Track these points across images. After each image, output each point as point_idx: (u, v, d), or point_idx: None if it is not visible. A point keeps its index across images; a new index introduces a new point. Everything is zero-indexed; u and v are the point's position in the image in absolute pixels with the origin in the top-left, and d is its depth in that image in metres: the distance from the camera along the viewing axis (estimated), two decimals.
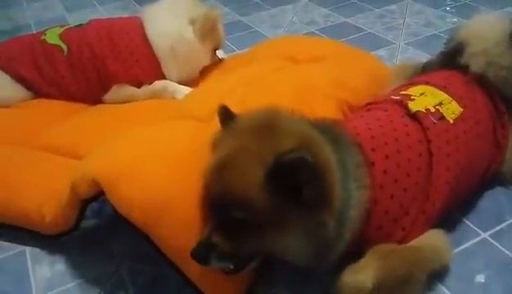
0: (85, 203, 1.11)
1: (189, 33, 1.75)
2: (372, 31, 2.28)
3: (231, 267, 0.94)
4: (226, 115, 0.99)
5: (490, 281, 1.06)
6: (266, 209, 0.85)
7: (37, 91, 1.80)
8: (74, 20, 2.62)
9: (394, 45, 2.12)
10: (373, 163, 1.02)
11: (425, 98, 1.22)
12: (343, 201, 0.91)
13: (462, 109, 1.21)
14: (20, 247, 1.29)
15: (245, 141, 0.90)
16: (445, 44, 1.41)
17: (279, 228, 0.88)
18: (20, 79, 1.78)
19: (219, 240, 0.90)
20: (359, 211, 0.96)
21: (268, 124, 0.92)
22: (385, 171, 1.03)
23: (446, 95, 1.23)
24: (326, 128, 0.98)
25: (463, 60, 1.30)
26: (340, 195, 0.90)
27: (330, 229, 0.89)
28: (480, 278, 1.06)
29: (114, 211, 1.01)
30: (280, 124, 0.92)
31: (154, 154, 1.06)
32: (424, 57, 1.93)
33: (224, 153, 0.91)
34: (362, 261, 0.97)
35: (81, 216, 1.15)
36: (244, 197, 0.86)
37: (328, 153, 0.91)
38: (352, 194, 0.94)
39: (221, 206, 0.89)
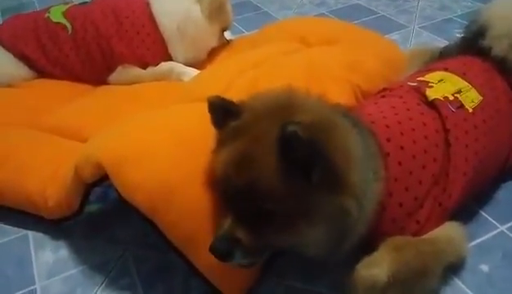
0: (89, 187, 1.07)
1: (196, 12, 1.70)
2: (385, 14, 2.22)
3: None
4: (222, 107, 0.90)
5: (507, 276, 1.02)
6: (293, 197, 0.81)
7: (40, 71, 1.76)
8: None
9: (408, 28, 2.06)
10: (388, 154, 0.98)
11: (444, 85, 1.17)
12: (362, 189, 0.86)
13: (482, 98, 1.17)
14: (22, 231, 1.26)
15: (265, 127, 0.84)
16: (465, 27, 1.35)
17: (306, 217, 0.83)
18: (22, 58, 1.74)
19: (244, 234, 0.85)
20: (374, 204, 0.92)
21: (286, 106, 0.86)
22: (400, 163, 0.99)
23: (466, 83, 1.19)
24: (346, 112, 0.93)
25: (485, 43, 1.25)
26: (360, 182, 0.85)
27: (352, 217, 0.85)
28: (497, 272, 1.03)
29: (119, 195, 0.98)
30: (299, 105, 0.87)
31: (160, 138, 1.02)
32: (438, 41, 1.89)
33: (244, 143, 0.85)
34: (376, 254, 0.93)
35: (85, 200, 1.12)
36: (273, 187, 0.81)
37: (346, 136, 0.86)
38: (369, 185, 0.90)
39: (247, 199, 0.83)
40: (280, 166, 0.80)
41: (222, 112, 0.90)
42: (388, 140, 1.00)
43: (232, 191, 0.85)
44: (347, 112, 0.96)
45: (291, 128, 0.76)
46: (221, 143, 0.91)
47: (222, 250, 0.85)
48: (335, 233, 0.87)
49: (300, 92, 0.91)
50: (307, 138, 0.76)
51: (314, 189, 0.81)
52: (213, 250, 0.85)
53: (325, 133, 0.81)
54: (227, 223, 0.86)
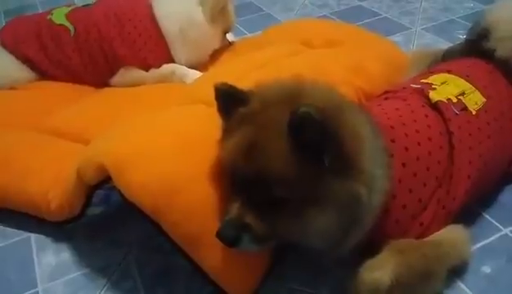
0: (92, 190, 1.07)
1: (198, 14, 1.70)
2: (387, 15, 2.21)
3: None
4: (230, 94, 0.90)
5: (510, 278, 1.01)
6: (304, 182, 0.80)
7: (43, 73, 1.76)
8: None
9: (411, 30, 2.06)
10: (392, 155, 0.97)
11: (447, 87, 1.16)
12: (372, 179, 0.86)
13: (485, 100, 1.16)
14: (24, 234, 1.26)
15: (274, 114, 0.84)
16: (469, 29, 1.35)
17: (317, 202, 0.82)
18: (25, 60, 1.74)
19: (253, 220, 0.84)
20: (381, 200, 0.91)
21: (295, 93, 0.86)
22: (404, 164, 0.98)
23: (469, 85, 1.18)
24: (358, 106, 0.94)
25: (489, 45, 1.24)
26: (370, 172, 0.85)
27: (363, 204, 0.84)
28: (501, 275, 1.02)
29: (122, 197, 0.97)
30: (308, 92, 0.86)
31: (163, 139, 1.01)
32: (441, 43, 1.88)
33: (253, 130, 0.84)
34: (379, 257, 0.93)
35: (87, 202, 1.11)
36: (283, 173, 0.80)
37: (358, 124, 0.86)
38: (378, 180, 0.89)
39: (257, 186, 0.82)
40: (290, 151, 0.80)
41: (230, 99, 0.90)
42: (393, 140, 0.99)
43: (241, 178, 0.85)
44: (359, 106, 0.96)
45: (305, 109, 0.76)
46: (228, 131, 0.90)
47: (230, 235, 0.84)
48: (345, 221, 0.85)
49: (308, 81, 0.91)
50: (321, 119, 0.76)
51: (325, 174, 0.80)
52: (220, 235, 0.84)
53: (338, 117, 0.80)
54: (235, 208, 0.85)
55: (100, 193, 1.18)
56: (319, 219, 0.84)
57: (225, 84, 0.91)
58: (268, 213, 0.84)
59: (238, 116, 0.88)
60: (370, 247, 0.95)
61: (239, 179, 0.85)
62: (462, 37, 1.42)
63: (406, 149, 0.99)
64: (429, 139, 1.03)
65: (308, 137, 0.78)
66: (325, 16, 2.27)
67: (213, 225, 0.94)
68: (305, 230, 0.86)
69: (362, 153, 0.84)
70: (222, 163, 0.91)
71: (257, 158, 0.82)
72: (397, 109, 1.09)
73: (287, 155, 0.80)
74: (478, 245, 1.09)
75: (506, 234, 1.12)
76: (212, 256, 0.94)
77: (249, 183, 0.83)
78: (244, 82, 1.22)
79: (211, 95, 1.18)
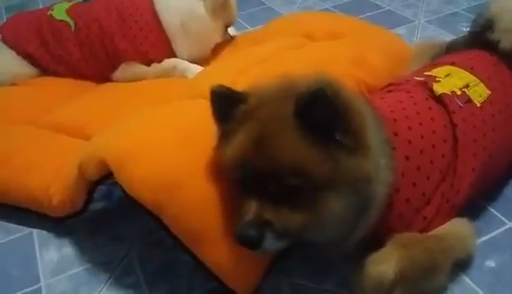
0: (93, 185, 1.07)
1: (200, 8, 1.69)
2: (391, 8, 2.19)
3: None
4: (227, 96, 0.89)
5: None
6: (317, 166, 0.79)
7: (44, 69, 1.76)
8: None
9: (414, 23, 2.04)
10: (395, 148, 0.96)
11: (451, 80, 1.15)
12: (378, 160, 0.86)
13: (490, 92, 1.15)
14: (27, 230, 1.26)
15: (276, 107, 0.83)
16: (473, 21, 1.33)
17: (331, 185, 0.81)
18: (26, 56, 1.74)
19: (273, 215, 0.81)
20: (384, 193, 0.90)
21: (291, 87, 0.86)
22: (408, 158, 0.97)
23: (473, 77, 1.17)
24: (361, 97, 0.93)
25: (493, 36, 1.23)
26: (376, 152, 0.85)
27: (372, 182, 0.84)
28: (505, 269, 1.01)
29: (124, 192, 0.97)
30: (304, 83, 0.85)
31: (164, 134, 1.01)
32: (444, 36, 1.86)
33: (258, 124, 0.83)
34: (384, 251, 0.92)
35: (89, 198, 1.11)
36: (296, 161, 0.79)
37: (362, 105, 0.86)
38: (382, 170, 0.88)
39: (271, 178, 0.81)
40: (299, 138, 0.80)
41: (226, 101, 0.89)
42: (396, 134, 0.98)
43: (254, 174, 0.82)
44: (361, 98, 0.95)
45: (317, 86, 0.76)
46: (228, 133, 0.88)
47: (252, 236, 0.80)
48: (357, 204, 0.85)
49: (298, 76, 0.89)
50: (332, 94, 0.77)
51: (336, 153, 0.80)
52: (242, 237, 0.81)
53: (344, 95, 0.80)
54: (253, 207, 0.81)
55: (102, 188, 1.18)
56: (335, 201, 0.82)
57: (221, 86, 0.89)
58: (286, 205, 0.81)
59: (239, 114, 0.87)
60: (374, 242, 0.94)
61: (250, 175, 0.83)
62: (466, 29, 1.40)
63: (410, 142, 0.98)
64: (433, 132, 1.02)
65: (318, 115, 0.78)
66: (327, 9, 2.25)
67: (215, 221, 0.94)
68: (323, 216, 0.84)
69: (368, 131, 0.84)
70: (226, 166, 0.88)
71: (267, 150, 0.81)
72: (400, 101, 1.08)
73: (296, 142, 0.80)
74: (483, 239, 1.08)
75: (511, 228, 1.11)
76: (214, 251, 0.94)
77: (262, 177, 0.81)
78: (246, 77, 1.23)
79: None
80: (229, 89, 0.90)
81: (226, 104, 0.89)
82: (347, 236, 0.92)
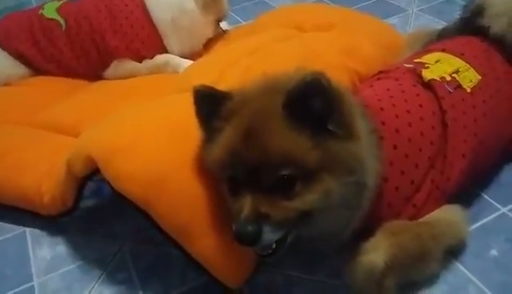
0: (82, 182, 1.07)
1: (190, 3, 1.68)
2: None
3: (274, 247, 0.84)
4: (210, 96, 0.88)
5: (510, 258, 1.00)
6: (309, 153, 0.79)
7: (36, 68, 1.76)
8: None
9: (407, 12, 2.02)
10: (382, 138, 0.95)
11: (441, 66, 1.14)
12: (367, 147, 0.86)
13: (480, 77, 1.14)
14: (20, 229, 1.26)
15: (262, 101, 0.83)
16: (464, 7, 1.32)
17: (326, 169, 0.81)
18: (18, 56, 1.74)
19: (269, 209, 0.80)
20: (373, 183, 0.89)
21: (274, 83, 0.86)
22: (395, 146, 0.96)
23: (464, 63, 1.16)
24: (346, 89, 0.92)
25: (483, 22, 1.22)
26: (365, 139, 0.85)
27: (365, 165, 0.84)
28: (499, 255, 1.01)
29: (112, 188, 0.96)
30: (283, 77, 0.87)
31: (150, 128, 1.00)
32: (438, 24, 1.84)
33: (246, 119, 0.83)
34: (373, 240, 0.92)
35: (79, 195, 1.11)
36: (288, 149, 0.79)
37: (347, 93, 0.87)
38: (370, 160, 0.87)
39: (264, 169, 0.80)
40: (288, 128, 0.80)
41: (210, 101, 0.88)
42: (383, 123, 0.97)
43: (244, 169, 0.81)
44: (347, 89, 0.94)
45: (314, 76, 0.77)
46: (213, 132, 0.87)
47: (252, 231, 0.78)
48: (353, 191, 0.85)
49: (279, 73, 0.89)
50: (328, 87, 0.78)
51: (327, 141, 0.80)
52: (240, 235, 0.79)
53: (337, 88, 0.81)
54: (248, 203, 0.80)
55: (92, 185, 1.18)
56: (331, 180, 0.81)
57: (204, 86, 0.89)
58: (280, 196, 0.81)
59: (225, 112, 0.86)
60: (364, 232, 0.93)
61: (241, 170, 0.82)
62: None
63: (397, 130, 0.98)
64: (421, 119, 1.01)
65: (312, 106, 0.79)
66: (321, 1, 2.23)
67: (203, 214, 0.94)
68: (323, 196, 0.82)
69: (357, 119, 0.85)
70: (214, 166, 0.88)
71: (256, 142, 0.80)
72: (388, 89, 1.07)
73: (285, 133, 0.79)
74: (476, 225, 1.07)
75: (505, 213, 1.10)
76: (203, 245, 0.93)
77: (253, 171, 0.80)
78: (234, 69, 1.22)
79: (201, 82, 1.18)
80: (212, 88, 0.89)
81: (209, 104, 0.88)
82: (346, 225, 0.91)
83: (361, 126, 0.87)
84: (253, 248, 0.84)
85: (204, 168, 0.94)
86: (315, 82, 0.77)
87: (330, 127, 0.80)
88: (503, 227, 1.06)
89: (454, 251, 1.00)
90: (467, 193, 1.10)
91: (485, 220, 1.08)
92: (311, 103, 0.79)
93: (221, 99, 0.87)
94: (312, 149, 0.79)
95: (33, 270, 1.13)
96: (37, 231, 1.24)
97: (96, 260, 1.13)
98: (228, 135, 0.84)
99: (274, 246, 0.84)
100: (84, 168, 1.00)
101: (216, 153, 0.86)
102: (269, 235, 0.80)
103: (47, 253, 1.17)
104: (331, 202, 0.83)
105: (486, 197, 1.14)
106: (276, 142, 0.79)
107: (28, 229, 1.25)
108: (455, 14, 1.34)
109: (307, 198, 0.81)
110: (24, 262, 1.16)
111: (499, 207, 1.11)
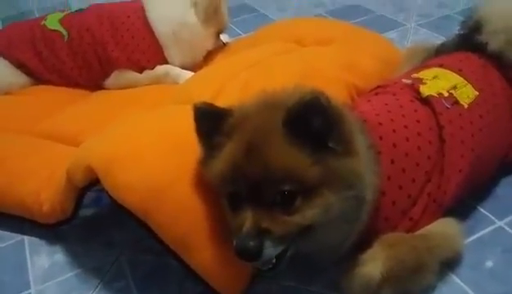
0: (82, 192, 1.07)
1: (191, 16, 1.70)
2: (383, 12, 2.21)
3: (274, 261, 0.84)
4: (211, 113, 0.89)
5: (506, 271, 1.00)
6: (310, 169, 0.80)
7: (38, 78, 1.78)
8: (76, 4, 2.56)
9: (405, 26, 2.05)
10: (380, 152, 0.96)
11: (438, 81, 1.16)
12: (366, 163, 0.87)
13: (478, 93, 1.16)
14: (18, 237, 1.26)
15: (263, 117, 0.85)
16: (462, 23, 1.34)
17: (325, 186, 0.82)
18: (20, 65, 1.76)
19: (270, 224, 0.80)
20: (371, 197, 0.90)
21: (274, 100, 0.88)
22: (393, 161, 0.98)
23: (461, 79, 1.18)
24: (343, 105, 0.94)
25: (481, 38, 1.24)
26: (363, 156, 0.87)
27: (364, 180, 0.86)
28: (495, 268, 1.01)
29: (111, 198, 0.97)
30: (282, 94, 0.89)
31: (150, 139, 1.01)
32: (436, 39, 1.87)
33: (247, 134, 0.84)
34: (370, 252, 0.93)
35: (78, 204, 1.11)
36: (288, 165, 0.80)
37: (346, 110, 0.88)
38: (368, 174, 0.89)
39: (266, 185, 0.80)
40: (289, 144, 0.81)
41: (210, 118, 0.89)
42: (381, 137, 0.99)
43: (246, 184, 0.82)
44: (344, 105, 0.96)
45: (313, 96, 0.78)
46: (214, 148, 0.88)
47: (253, 246, 0.78)
48: (353, 199, 0.85)
49: (278, 89, 0.91)
50: (327, 105, 0.79)
51: (327, 158, 0.81)
52: (241, 250, 0.79)
53: (334, 104, 0.82)
54: (249, 218, 0.80)
55: (91, 194, 1.18)
56: (330, 195, 0.82)
57: (204, 103, 0.90)
58: (281, 211, 0.81)
59: (227, 127, 0.87)
60: (361, 245, 0.94)
61: (242, 185, 0.82)
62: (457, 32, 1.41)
63: (395, 145, 0.99)
64: (418, 134, 1.03)
65: (311, 124, 0.80)
66: (320, 15, 2.27)
67: (201, 225, 0.94)
68: (323, 209, 0.83)
69: (356, 136, 0.87)
70: (215, 181, 0.88)
71: (258, 157, 0.81)
72: (386, 104, 1.08)
73: (286, 149, 0.81)
74: (473, 238, 1.08)
75: (501, 227, 1.11)
76: (201, 256, 0.94)
77: (254, 186, 0.81)
78: (234, 82, 1.23)
79: (201, 94, 1.19)
80: (212, 105, 0.90)
81: (210, 121, 0.89)
82: (344, 239, 0.92)
83: (360, 141, 0.88)
84: (254, 264, 0.85)
85: (203, 180, 0.96)
86: (314, 101, 0.79)
87: (329, 145, 0.81)
88: (499, 240, 1.07)
89: (450, 264, 1.01)
90: (463, 206, 1.11)
91: (481, 233, 1.09)
92: (310, 121, 0.80)
93: (222, 115, 0.88)
94: (312, 165, 0.81)
95: (31, 278, 1.13)
96: (35, 239, 1.24)
97: (94, 268, 1.13)
98: (230, 151, 0.85)
99: (274, 261, 0.84)
100: (84, 178, 1.01)
101: (218, 168, 0.86)
102: (270, 250, 0.81)
103: (45, 261, 1.18)
104: (331, 217, 0.84)
105: (482, 210, 1.15)
106: (277, 158, 0.81)
107: (26, 237, 1.25)
108: (454, 29, 1.36)
109: (308, 213, 0.82)
110: (22, 270, 1.16)
111: (495, 220, 1.12)
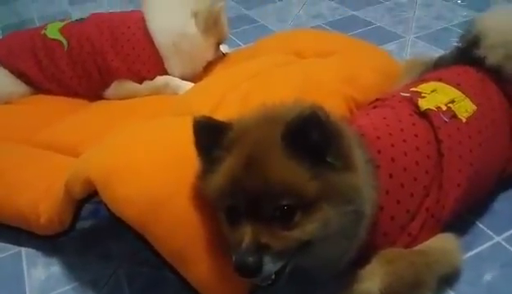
0: (80, 204, 1.07)
1: (191, 27, 1.70)
2: (381, 24, 2.21)
3: (273, 277, 0.83)
4: (210, 126, 0.89)
5: (504, 286, 1.00)
6: (309, 183, 0.80)
7: (37, 87, 1.78)
8: (77, 13, 2.58)
9: (404, 39, 2.06)
10: (378, 167, 0.96)
11: (436, 95, 1.16)
12: (364, 178, 0.87)
13: (476, 107, 1.16)
14: (15, 248, 1.25)
15: (262, 131, 0.85)
16: (460, 37, 1.34)
17: (324, 200, 0.82)
18: (20, 74, 1.76)
19: (269, 239, 0.79)
20: (371, 210, 0.90)
21: (273, 114, 0.88)
22: (391, 176, 0.98)
23: (460, 93, 1.18)
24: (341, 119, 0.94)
25: (480, 52, 1.24)
26: (362, 171, 0.87)
27: (362, 195, 0.85)
28: (493, 283, 1.01)
29: (109, 211, 0.97)
30: (282, 108, 0.89)
31: (150, 151, 1.01)
32: (434, 51, 1.88)
33: (246, 148, 0.83)
34: (368, 268, 0.92)
35: (76, 216, 1.11)
36: (287, 180, 0.80)
37: (345, 125, 0.89)
38: (367, 189, 0.89)
39: (265, 199, 0.80)
40: (288, 159, 0.81)
41: (210, 131, 0.89)
42: (379, 152, 0.99)
43: (246, 197, 0.81)
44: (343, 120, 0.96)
45: (311, 111, 0.79)
46: (213, 162, 0.88)
47: (253, 262, 0.77)
48: (352, 214, 0.85)
49: (277, 103, 0.91)
50: (326, 120, 0.80)
51: (325, 173, 0.81)
52: (241, 266, 0.78)
53: (334, 122, 0.83)
54: (248, 233, 0.80)
55: (89, 206, 1.18)
56: (329, 209, 0.82)
57: (204, 117, 0.90)
58: (280, 226, 0.81)
59: (227, 141, 0.87)
60: (359, 260, 0.94)
61: (243, 199, 0.82)
62: (455, 44, 1.41)
63: (393, 159, 0.99)
64: (417, 148, 1.03)
65: (310, 139, 0.80)
66: (319, 27, 2.27)
67: (199, 239, 0.94)
68: (322, 224, 0.82)
69: (354, 151, 0.87)
70: (214, 195, 0.87)
71: (258, 172, 0.81)
72: (384, 118, 1.09)
73: (286, 163, 0.80)
74: (471, 253, 1.08)
75: (499, 242, 1.10)
76: (198, 269, 0.94)
77: (253, 200, 0.80)
78: (234, 93, 1.24)
79: (201, 106, 1.19)
80: (211, 119, 0.90)
81: (209, 135, 0.89)
82: (343, 254, 0.91)
83: (358, 156, 0.88)
84: (253, 280, 0.84)
85: (201, 193, 0.95)
86: (313, 115, 0.79)
87: (328, 159, 0.82)
88: (497, 256, 1.07)
89: (448, 279, 1.00)
90: (461, 221, 1.11)
91: (479, 249, 1.09)
92: (309, 136, 0.80)
93: (221, 129, 0.88)
94: (310, 179, 0.80)
95: (28, 291, 1.13)
96: (32, 251, 1.23)
97: (91, 281, 1.13)
98: (229, 164, 0.85)
99: (273, 276, 0.83)
100: (83, 191, 1.00)
101: (217, 182, 0.85)
102: (270, 266, 0.80)
103: (41, 273, 1.17)
104: (330, 232, 0.84)
105: (480, 225, 1.15)
106: (277, 172, 0.80)
107: (23, 249, 1.24)
108: (452, 41, 1.37)
109: (307, 228, 0.82)
110: (19, 282, 1.15)
111: (493, 235, 1.12)
